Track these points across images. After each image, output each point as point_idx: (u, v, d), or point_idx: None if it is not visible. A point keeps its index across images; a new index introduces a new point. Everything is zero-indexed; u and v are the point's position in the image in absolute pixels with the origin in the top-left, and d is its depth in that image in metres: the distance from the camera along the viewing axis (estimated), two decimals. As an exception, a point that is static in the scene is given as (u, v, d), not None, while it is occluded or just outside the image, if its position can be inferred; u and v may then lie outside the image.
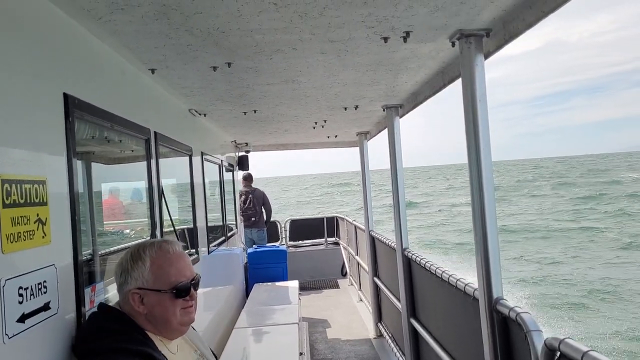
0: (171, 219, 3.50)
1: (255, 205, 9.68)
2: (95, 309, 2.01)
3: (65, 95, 2.04)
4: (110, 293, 2.59)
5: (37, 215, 1.76)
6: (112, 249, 3.03)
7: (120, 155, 3.20)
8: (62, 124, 2.02)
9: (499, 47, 2.70)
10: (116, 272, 1.94)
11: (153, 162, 3.29)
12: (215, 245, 5.47)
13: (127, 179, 3.51)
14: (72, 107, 2.08)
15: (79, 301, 2.05)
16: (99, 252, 2.67)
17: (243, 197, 9.61)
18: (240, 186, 9.58)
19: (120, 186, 3.46)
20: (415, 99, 4.53)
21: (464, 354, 3.30)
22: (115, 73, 2.83)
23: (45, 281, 1.78)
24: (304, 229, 12.16)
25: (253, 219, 9.70)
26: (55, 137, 1.99)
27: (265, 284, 7.58)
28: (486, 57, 2.75)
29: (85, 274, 2.19)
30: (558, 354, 1.92)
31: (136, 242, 3.32)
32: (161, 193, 3.42)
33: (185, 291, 1.90)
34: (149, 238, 3.25)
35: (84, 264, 2.20)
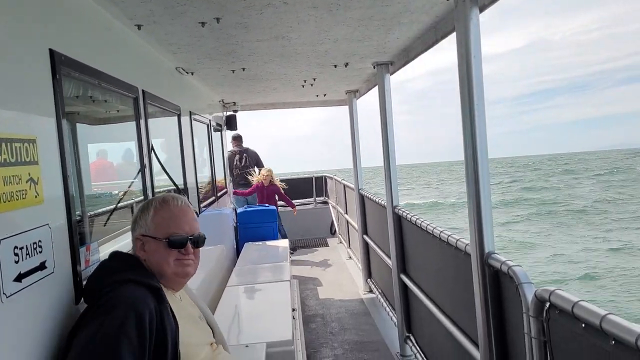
0: (169, 176, 3.46)
1: (251, 163, 9.65)
2: (93, 265, 2.09)
3: (51, 52, 1.98)
4: (103, 252, 2.59)
5: (29, 174, 1.73)
6: (101, 210, 3.01)
7: (106, 115, 3.14)
8: (50, 81, 1.97)
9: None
10: (131, 221, 2.11)
11: (142, 121, 3.23)
12: (205, 206, 5.47)
13: (115, 140, 3.46)
14: (59, 63, 2.02)
15: (75, 260, 2.05)
16: (88, 213, 2.64)
17: (237, 156, 9.55)
18: (229, 146, 9.52)
19: (108, 147, 3.40)
20: (407, 55, 4.47)
21: (454, 307, 3.38)
22: (101, 29, 2.74)
23: (40, 241, 1.77)
24: (292, 188, 12.18)
25: (250, 177, 9.67)
26: (43, 95, 1.93)
27: (255, 243, 7.63)
28: (481, 10, 2.69)
29: (78, 235, 2.18)
30: (548, 304, 1.97)
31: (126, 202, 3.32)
32: (151, 153, 3.37)
33: (179, 244, 2.00)
34: (141, 198, 3.24)
35: (79, 224, 2.19)
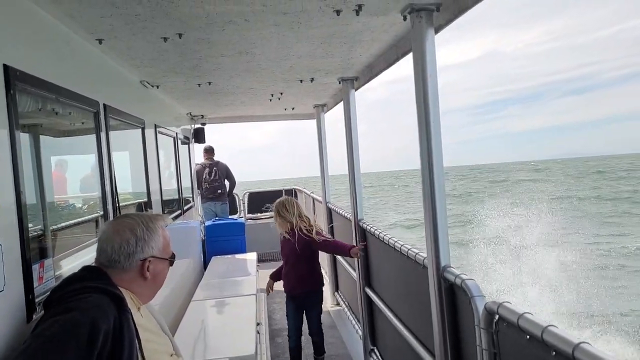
0: (116, 191, 3.43)
1: (220, 178, 9.56)
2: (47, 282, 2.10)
3: (5, 67, 1.97)
4: (64, 269, 2.56)
5: (-22, 191, 1.71)
6: (64, 224, 2.96)
7: (70, 127, 3.11)
8: (3, 96, 1.95)
9: (449, 21, 2.75)
10: (128, 240, 2.00)
11: (103, 135, 3.21)
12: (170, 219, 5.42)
13: (80, 152, 3.42)
14: (14, 78, 2.01)
15: (27, 278, 2.02)
16: (50, 227, 2.60)
17: (207, 169, 9.45)
18: (199, 159, 9.44)
19: (71, 159, 3.36)
20: (371, 71, 4.56)
21: (413, 320, 3.44)
22: (59, 43, 2.73)
23: None
24: (262, 201, 12.13)
25: (219, 191, 9.52)
26: None
27: (223, 256, 7.58)
28: (437, 31, 2.79)
29: (34, 250, 2.16)
30: (497, 317, 2.03)
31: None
32: (112, 166, 3.35)
33: (174, 259, 2.18)
34: (100, 212, 3.21)
35: (33, 239, 2.16)
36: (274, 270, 5.19)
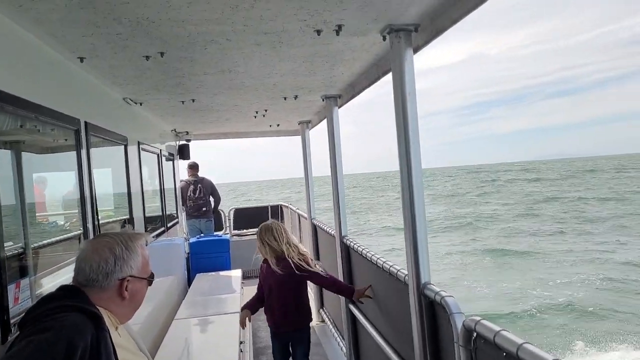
0: (96, 209, 3.41)
1: (205, 195, 9.48)
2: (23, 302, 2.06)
3: None
4: (44, 288, 2.53)
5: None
6: (44, 242, 2.93)
7: (53, 144, 3.09)
8: None
9: (427, 41, 2.81)
10: (106, 260, 1.97)
11: (84, 152, 3.20)
12: (154, 236, 5.39)
13: (63, 169, 3.39)
14: None
15: (2, 298, 1.99)
16: (32, 245, 2.57)
17: (192, 186, 9.35)
18: (184, 175, 9.37)
19: (55, 176, 3.34)
20: (353, 89, 4.61)
21: (396, 336, 3.44)
22: (40, 61, 2.73)
23: None
24: (248, 217, 12.10)
25: (204, 208, 9.44)
26: None
27: (207, 273, 7.54)
28: (415, 51, 2.84)
29: (11, 269, 2.13)
30: (475, 334, 2.05)
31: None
32: (93, 183, 3.33)
33: (153, 278, 2.15)
34: (80, 230, 3.18)
35: (11, 258, 2.14)
36: (249, 300, 4.60)
